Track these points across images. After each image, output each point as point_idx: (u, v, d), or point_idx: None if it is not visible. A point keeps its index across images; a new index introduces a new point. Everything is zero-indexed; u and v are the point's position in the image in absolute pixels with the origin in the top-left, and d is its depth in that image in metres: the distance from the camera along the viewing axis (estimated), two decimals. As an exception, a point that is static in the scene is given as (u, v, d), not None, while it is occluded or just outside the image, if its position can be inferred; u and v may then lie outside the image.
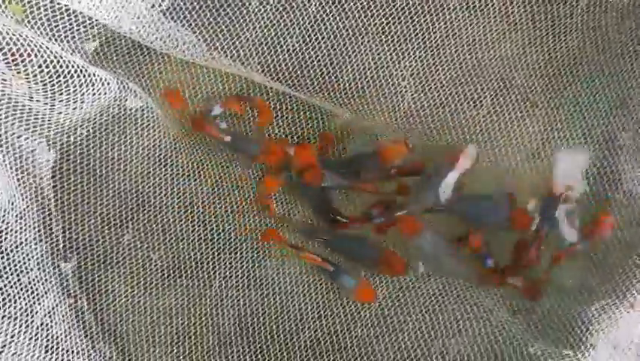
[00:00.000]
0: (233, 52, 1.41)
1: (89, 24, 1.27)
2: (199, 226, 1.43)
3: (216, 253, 1.43)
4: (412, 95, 1.48)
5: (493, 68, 1.48)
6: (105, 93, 1.23)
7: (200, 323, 1.40)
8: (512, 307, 1.41)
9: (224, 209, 1.45)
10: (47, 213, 1.29)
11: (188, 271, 1.41)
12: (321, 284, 1.44)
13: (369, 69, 1.48)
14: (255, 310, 1.42)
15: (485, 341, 1.37)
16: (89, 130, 1.33)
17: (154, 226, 1.40)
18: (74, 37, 1.26)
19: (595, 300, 1.35)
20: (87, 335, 1.30)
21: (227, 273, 1.42)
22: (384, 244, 1.45)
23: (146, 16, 1.26)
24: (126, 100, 1.33)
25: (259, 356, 1.39)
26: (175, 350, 1.38)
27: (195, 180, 1.44)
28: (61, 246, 1.32)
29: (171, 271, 1.40)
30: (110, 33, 1.35)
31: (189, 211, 1.42)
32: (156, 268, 1.40)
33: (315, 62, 1.45)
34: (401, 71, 1.48)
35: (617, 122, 1.44)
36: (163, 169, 1.41)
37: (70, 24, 1.23)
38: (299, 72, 1.45)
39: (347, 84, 1.47)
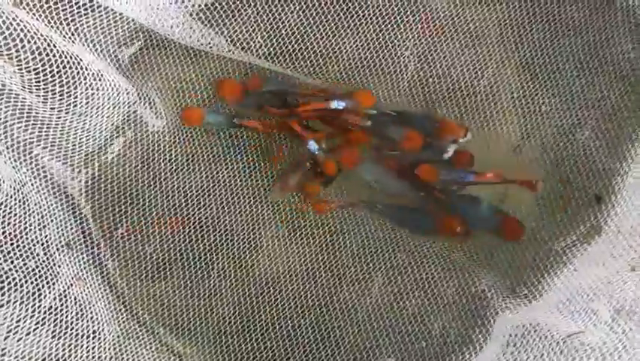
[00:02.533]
0: (237, 29, 1.40)
1: (90, 8, 1.26)
2: (195, 216, 1.43)
3: (213, 244, 1.43)
4: (415, 65, 1.47)
5: (497, 38, 1.46)
6: (99, 89, 1.22)
7: (198, 313, 1.41)
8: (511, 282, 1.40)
9: (219, 199, 1.45)
10: (47, 202, 1.30)
11: (185, 263, 1.42)
12: (320, 271, 1.44)
13: (371, 41, 1.46)
14: (255, 299, 1.42)
15: (485, 322, 1.37)
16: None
17: (148, 218, 1.41)
18: (74, 21, 1.25)
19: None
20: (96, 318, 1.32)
21: (225, 263, 1.43)
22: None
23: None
24: (124, 95, 1.33)
25: (260, 343, 1.40)
26: (175, 341, 1.39)
27: (190, 171, 1.44)
28: (67, 232, 1.33)
29: (167, 264, 1.41)
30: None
31: (184, 203, 1.43)
32: (151, 260, 1.40)
33: (317, 36, 1.44)
34: (404, 41, 1.46)
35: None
36: (157, 162, 1.42)
37: (71, 5, 1.22)
38: (302, 46, 1.44)
39: (349, 58, 1.47)
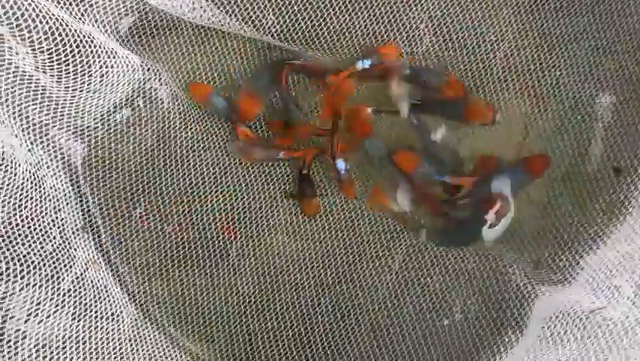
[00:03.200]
0: (247, 5, 1.39)
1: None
2: (213, 196, 1.42)
3: (232, 223, 1.42)
4: (430, 38, 1.45)
5: (512, 9, 1.44)
6: (112, 67, 1.21)
7: (218, 292, 1.41)
8: (534, 258, 1.39)
9: (236, 178, 1.44)
10: (61, 184, 1.29)
11: (203, 242, 1.41)
12: (340, 249, 1.44)
13: (385, 16, 1.45)
14: (275, 278, 1.42)
15: (506, 297, 1.37)
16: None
17: (166, 198, 1.40)
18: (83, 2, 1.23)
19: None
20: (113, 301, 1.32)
21: (244, 242, 1.43)
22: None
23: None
24: (136, 73, 1.32)
25: (280, 322, 1.40)
26: (195, 320, 1.39)
27: (207, 151, 1.43)
28: (80, 214, 1.33)
29: (186, 243, 1.40)
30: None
31: (202, 182, 1.42)
32: (170, 240, 1.40)
33: (330, 11, 1.42)
34: (419, 13, 1.44)
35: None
36: (175, 141, 1.41)
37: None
38: (314, 23, 1.42)
39: (363, 33, 1.45)
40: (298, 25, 1.42)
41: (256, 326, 1.40)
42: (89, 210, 1.35)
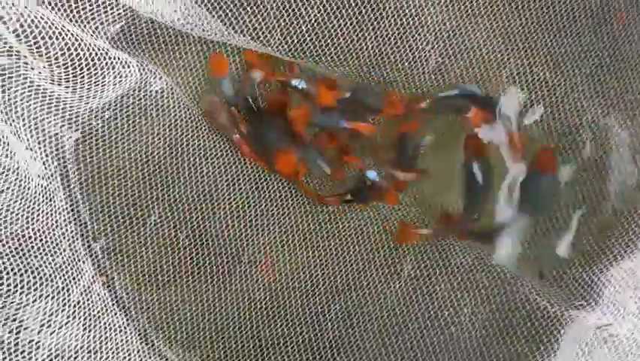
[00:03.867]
0: (255, 25, 1.41)
1: (109, 5, 1.26)
2: (225, 203, 1.43)
3: (243, 230, 1.43)
4: (436, 59, 1.47)
5: (518, 28, 1.46)
6: (127, 76, 1.23)
7: (230, 298, 1.41)
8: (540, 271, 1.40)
9: (249, 185, 1.45)
10: (74, 194, 1.30)
11: (217, 249, 1.42)
12: (350, 256, 1.45)
13: (392, 36, 1.46)
14: (285, 284, 1.43)
15: (512, 307, 1.38)
16: (110, 114, 1.34)
17: (180, 205, 1.41)
18: (95, 19, 1.26)
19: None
20: (123, 312, 1.33)
21: (256, 249, 1.44)
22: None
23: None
24: (149, 84, 1.33)
25: (290, 329, 1.41)
26: (207, 326, 1.40)
27: (218, 157, 1.44)
28: (89, 226, 1.33)
29: (199, 249, 1.41)
30: (132, 14, 1.34)
31: (214, 189, 1.43)
32: (184, 246, 1.41)
33: (337, 31, 1.44)
34: (425, 35, 1.46)
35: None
36: (185, 148, 1.41)
37: (91, 5, 1.22)
38: (322, 42, 1.44)
39: (370, 53, 1.47)
40: (306, 45, 1.44)
41: (267, 332, 1.40)
42: (99, 220, 1.36)
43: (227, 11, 1.37)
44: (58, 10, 1.18)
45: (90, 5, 1.22)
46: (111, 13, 1.28)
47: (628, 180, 1.40)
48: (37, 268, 1.11)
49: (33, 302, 1.08)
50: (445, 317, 1.40)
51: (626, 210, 1.39)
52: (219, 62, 1.45)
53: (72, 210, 1.30)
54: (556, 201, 1.42)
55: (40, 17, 1.07)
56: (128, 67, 1.23)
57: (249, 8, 1.40)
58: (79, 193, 1.31)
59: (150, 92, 1.35)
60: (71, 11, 1.19)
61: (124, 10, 1.30)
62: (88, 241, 1.31)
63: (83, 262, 1.25)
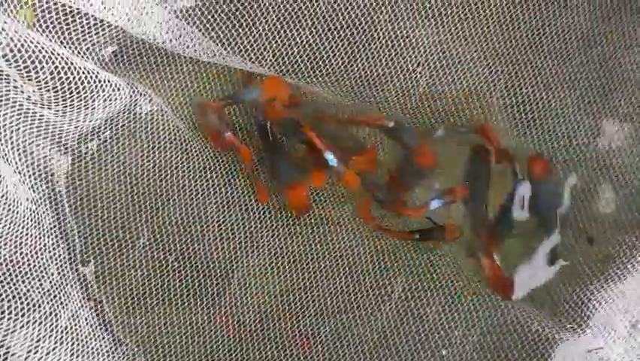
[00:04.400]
0: (247, 46, 1.41)
1: (101, 27, 1.27)
2: (214, 225, 1.42)
3: (233, 252, 1.43)
4: (427, 80, 1.48)
5: (508, 50, 1.47)
6: (116, 99, 1.23)
7: (219, 322, 1.40)
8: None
9: (238, 207, 1.44)
10: (62, 218, 1.29)
11: (206, 271, 1.41)
12: (340, 277, 1.44)
13: (383, 58, 1.48)
14: (275, 306, 1.42)
15: (504, 330, 1.38)
16: (100, 137, 1.34)
17: (169, 228, 1.40)
18: (86, 40, 1.26)
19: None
20: (111, 336, 1.31)
21: (245, 271, 1.43)
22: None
23: (159, 15, 1.26)
24: (139, 106, 1.33)
25: (280, 351, 1.40)
26: (196, 349, 1.38)
27: (207, 179, 1.43)
28: (77, 250, 1.32)
29: (189, 272, 1.40)
30: (123, 35, 1.35)
31: (203, 212, 1.42)
32: (173, 269, 1.40)
33: (328, 53, 1.45)
34: (415, 57, 1.47)
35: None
36: (174, 170, 1.41)
37: (82, 28, 1.23)
38: (313, 64, 1.45)
39: (361, 75, 1.48)
40: (297, 66, 1.44)
41: (256, 355, 1.39)
42: (90, 243, 1.35)
43: (220, 32, 1.38)
44: (50, 32, 1.18)
45: (82, 27, 1.22)
46: (102, 35, 1.28)
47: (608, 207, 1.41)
48: (24, 294, 1.10)
49: (20, 328, 1.06)
50: (436, 339, 1.40)
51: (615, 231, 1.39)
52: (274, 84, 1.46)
53: (61, 233, 1.28)
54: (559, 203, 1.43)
55: (30, 41, 1.07)
56: (118, 90, 1.23)
57: (240, 30, 1.40)
58: (68, 216, 1.30)
59: (140, 114, 1.35)
60: (62, 33, 1.19)
61: (115, 32, 1.30)
62: (76, 265, 1.30)
63: (71, 287, 1.24)
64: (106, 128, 1.32)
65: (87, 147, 1.31)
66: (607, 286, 1.27)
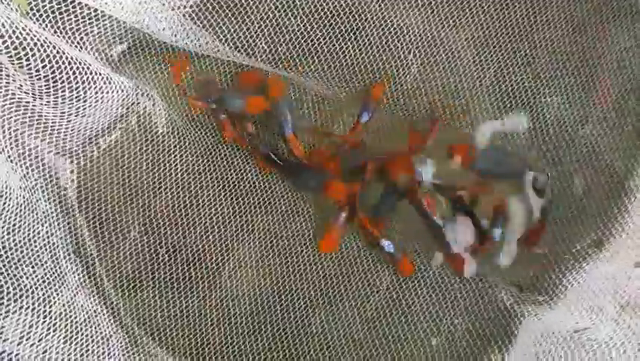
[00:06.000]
0: (240, 35, 1.42)
1: (95, 16, 1.27)
2: (205, 218, 1.43)
3: (224, 244, 1.44)
4: (418, 67, 1.48)
5: (498, 38, 1.48)
6: (108, 92, 1.23)
7: (210, 314, 1.41)
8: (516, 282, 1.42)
9: (230, 200, 1.45)
10: (56, 207, 1.30)
11: (197, 263, 1.42)
12: (330, 270, 1.45)
13: (374, 45, 1.48)
14: (266, 299, 1.43)
15: (492, 316, 1.39)
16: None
17: (160, 221, 1.41)
18: (80, 29, 1.26)
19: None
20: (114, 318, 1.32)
21: (236, 264, 1.44)
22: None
23: (154, 6, 1.26)
24: (130, 99, 1.34)
25: (272, 343, 1.41)
26: (187, 342, 1.40)
27: (202, 173, 1.45)
28: (71, 239, 1.33)
29: (179, 264, 1.41)
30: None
31: (195, 205, 1.43)
32: (164, 262, 1.41)
33: (320, 41, 1.45)
34: (407, 44, 1.48)
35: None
36: (168, 163, 1.42)
37: (76, 18, 1.23)
38: (305, 52, 1.46)
39: (353, 62, 1.49)
40: (289, 53, 1.45)
41: (247, 347, 1.40)
42: (80, 235, 1.36)
43: (212, 21, 1.38)
44: (43, 21, 1.18)
45: (76, 17, 1.23)
46: (97, 25, 1.28)
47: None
48: (17, 280, 1.11)
49: (13, 314, 1.07)
50: (425, 328, 1.41)
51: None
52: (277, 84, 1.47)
53: (57, 222, 1.29)
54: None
55: (22, 29, 1.08)
56: (110, 83, 1.23)
57: (233, 18, 1.40)
58: (62, 208, 1.31)
59: (132, 108, 1.36)
60: (57, 22, 1.20)
61: (109, 22, 1.30)
62: (69, 254, 1.31)
63: (66, 274, 1.24)
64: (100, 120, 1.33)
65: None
66: (595, 268, 1.29)
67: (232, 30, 1.41)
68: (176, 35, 1.34)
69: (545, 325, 1.24)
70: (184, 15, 1.33)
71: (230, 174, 1.46)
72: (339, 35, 1.46)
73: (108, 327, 1.28)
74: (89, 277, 1.35)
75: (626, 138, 1.42)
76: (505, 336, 1.37)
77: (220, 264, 1.43)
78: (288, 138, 1.45)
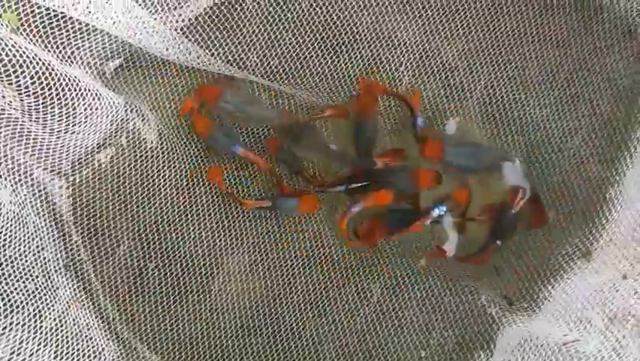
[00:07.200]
0: (232, 49, 1.43)
1: (86, 30, 1.27)
2: (195, 233, 1.44)
3: (214, 258, 1.44)
4: (409, 78, 1.49)
5: (489, 50, 1.49)
6: (97, 108, 1.24)
7: (200, 328, 1.41)
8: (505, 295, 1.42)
9: (220, 215, 1.46)
10: (46, 222, 1.30)
11: (186, 278, 1.42)
12: (320, 283, 1.46)
13: (365, 58, 1.49)
14: (256, 312, 1.43)
15: (482, 329, 1.39)
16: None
17: (149, 235, 1.41)
18: (71, 44, 1.27)
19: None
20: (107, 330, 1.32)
21: (226, 277, 1.44)
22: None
23: (146, 20, 1.27)
24: (119, 114, 1.34)
25: (262, 356, 1.41)
26: (178, 355, 1.40)
27: (191, 188, 1.45)
28: (61, 254, 1.34)
29: (169, 279, 1.41)
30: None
31: (184, 220, 1.43)
32: (153, 276, 1.41)
33: (312, 55, 1.47)
34: (398, 56, 1.49)
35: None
36: (158, 179, 1.42)
37: (67, 32, 1.23)
38: (297, 65, 1.47)
39: (344, 75, 1.50)
40: (281, 67, 1.46)
41: (238, 359, 1.40)
42: (72, 249, 1.36)
43: (204, 34, 1.39)
44: (34, 36, 1.19)
45: (67, 32, 1.23)
46: (88, 39, 1.29)
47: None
48: (8, 295, 1.11)
49: (3, 330, 1.07)
50: (415, 340, 1.41)
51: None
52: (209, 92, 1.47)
53: (48, 236, 1.29)
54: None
55: (12, 45, 1.08)
56: (99, 99, 1.23)
57: (224, 32, 1.41)
58: (52, 222, 1.31)
59: (121, 124, 1.36)
60: (47, 37, 1.20)
61: (101, 36, 1.31)
62: (61, 268, 1.31)
63: (57, 288, 1.24)
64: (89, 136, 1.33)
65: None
66: (583, 279, 1.29)
67: (224, 43, 1.42)
68: (168, 49, 1.35)
69: (533, 336, 1.24)
70: (176, 29, 1.34)
71: (219, 188, 1.46)
72: (330, 48, 1.47)
73: (101, 340, 1.28)
74: (83, 290, 1.34)
75: (615, 149, 1.42)
76: (494, 349, 1.37)
77: (210, 277, 1.43)
78: (241, 155, 1.45)
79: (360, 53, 1.49)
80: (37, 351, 1.11)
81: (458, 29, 1.49)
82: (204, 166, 1.46)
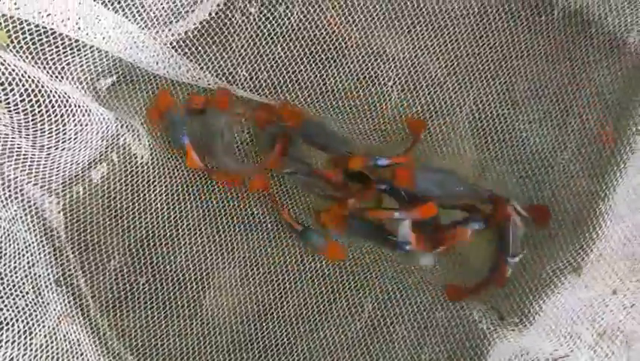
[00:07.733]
0: (222, 64, 1.43)
1: (76, 46, 1.28)
2: (186, 247, 1.44)
3: (204, 273, 1.44)
4: (398, 94, 1.50)
5: (477, 66, 1.50)
6: (87, 124, 1.24)
7: (192, 342, 1.41)
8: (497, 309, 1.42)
9: (211, 229, 1.46)
10: (37, 238, 1.30)
11: (177, 293, 1.42)
12: (312, 298, 1.46)
13: (354, 73, 1.50)
14: (247, 327, 1.43)
15: (473, 345, 1.39)
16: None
17: (140, 250, 1.41)
18: (61, 61, 1.27)
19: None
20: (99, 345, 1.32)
21: (217, 292, 1.44)
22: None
23: (136, 36, 1.27)
24: (109, 129, 1.34)
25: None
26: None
27: (183, 203, 1.45)
28: (52, 270, 1.33)
29: (160, 294, 1.41)
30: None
31: (176, 234, 1.43)
32: (144, 290, 1.40)
33: (301, 68, 1.47)
34: (387, 71, 1.50)
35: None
36: (150, 194, 1.42)
37: (57, 49, 1.24)
38: (286, 79, 1.47)
39: (334, 89, 1.50)
40: (270, 81, 1.46)
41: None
42: (62, 264, 1.35)
43: (193, 49, 1.39)
44: (24, 52, 1.19)
45: (57, 48, 1.23)
46: (78, 55, 1.29)
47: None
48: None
49: (-7, 347, 1.07)
50: (406, 356, 1.41)
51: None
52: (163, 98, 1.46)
53: (39, 252, 1.29)
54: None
55: (1, 63, 1.08)
56: (89, 115, 1.23)
57: (214, 46, 1.42)
58: (42, 238, 1.31)
59: (112, 141, 1.37)
60: (37, 54, 1.20)
61: (91, 52, 1.31)
62: (52, 283, 1.30)
63: (48, 304, 1.24)
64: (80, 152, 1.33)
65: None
66: (573, 294, 1.29)
67: (213, 58, 1.42)
68: (158, 64, 1.35)
69: (524, 351, 1.24)
70: (166, 44, 1.35)
71: (211, 202, 1.46)
72: (319, 63, 1.48)
73: (92, 355, 1.28)
74: (74, 305, 1.34)
75: (605, 163, 1.43)
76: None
77: (201, 291, 1.42)
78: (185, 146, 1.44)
79: (349, 67, 1.49)
80: (27, 368, 1.11)
81: (447, 45, 1.50)
82: (195, 181, 1.46)
